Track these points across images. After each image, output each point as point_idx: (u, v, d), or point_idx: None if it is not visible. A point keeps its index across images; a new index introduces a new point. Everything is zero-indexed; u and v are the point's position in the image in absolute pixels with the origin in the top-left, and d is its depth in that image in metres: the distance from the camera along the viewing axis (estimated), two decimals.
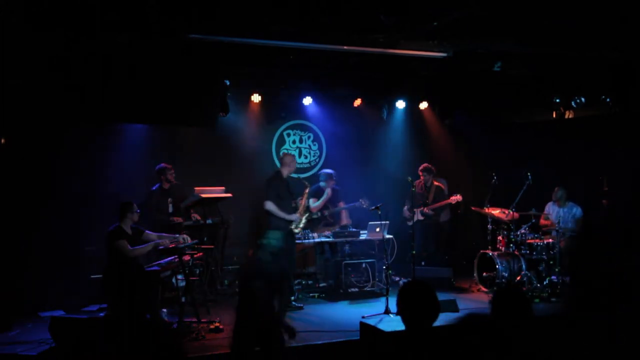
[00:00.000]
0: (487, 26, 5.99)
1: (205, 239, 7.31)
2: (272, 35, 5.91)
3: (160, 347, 3.03)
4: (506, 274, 7.36)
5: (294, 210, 7.02)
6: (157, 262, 5.92)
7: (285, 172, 7.01)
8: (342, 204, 8.19)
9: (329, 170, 8.18)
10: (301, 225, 6.97)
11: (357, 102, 8.98)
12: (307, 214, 7.12)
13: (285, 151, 8.98)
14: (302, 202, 7.17)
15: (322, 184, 8.11)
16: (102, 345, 2.97)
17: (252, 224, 7.93)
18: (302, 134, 9.36)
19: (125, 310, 5.27)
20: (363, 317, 5.79)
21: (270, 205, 6.74)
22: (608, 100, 7.59)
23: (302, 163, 9.29)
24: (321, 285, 7.90)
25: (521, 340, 2.75)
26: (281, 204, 6.82)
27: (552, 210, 7.96)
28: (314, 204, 7.91)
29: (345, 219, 8.23)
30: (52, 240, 7.01)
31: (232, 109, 7.92)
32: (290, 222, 6.86)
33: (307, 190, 7.21)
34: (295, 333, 4.54)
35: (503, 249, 7.68)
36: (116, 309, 5.38)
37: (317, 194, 8.09)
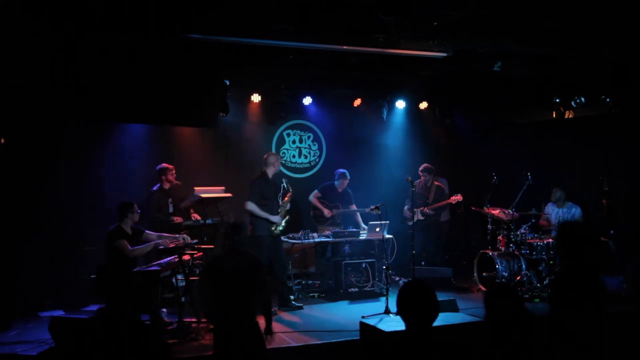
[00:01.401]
0: (487, 26, 5.99)
1: (205, 239, 7.30)
2: (272, 35, 5.90)
3: (151, 347, 3.01)
4: (506, 274, 7.37)
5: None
6: (157, 262, 5.92)
7: (270, 172, 6.97)
8: (353, 207, 8.20)
9: (343, 170, 8.20)
10: (281, 228, 6.91)
11: (357, 102, 8.98)
12: (287, 217, 7.05)
13: (285, 151, 8.99)
14: (283, 205, 7.12)
15: (336, 182, 8.13)
16: (101, 346, 2.97)
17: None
18: (302, 133, 9.36)
19: (124, 310, 5.26)
20: (363, 317, 5.78)
21: (251, 206, 6.70)
22: (608, 100, 7.59)
23: (302, 163, 9.29)
24: (321, 285, 7.90)
25: (517, 338, 2.76)
26: (267, 204, 6.79)
27: (551, 210, 7.97)
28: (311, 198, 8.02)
29: (360, 222, 8.18)
30: (52, 240, 7.01)
31: (232, 109, 7.92)
32: (272, 223, 6.82)
33: (289, 194, 7.14)
34: (272, 334, 4.40)
35: (503, 249, 7.68)
36: (114, 309, 5.37)
37: (328, 190, 8.12)
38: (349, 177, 8.12)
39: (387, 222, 7.37)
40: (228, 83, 7.51)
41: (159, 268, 5.71)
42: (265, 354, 4.29)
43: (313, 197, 8.14)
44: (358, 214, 8.17)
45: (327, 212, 8.00)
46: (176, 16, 5.44)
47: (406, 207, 8.37)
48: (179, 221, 7.31)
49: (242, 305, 4.20)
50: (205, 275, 4.45)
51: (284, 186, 7.13)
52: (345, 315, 6.47)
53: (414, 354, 2.69)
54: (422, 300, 2.76)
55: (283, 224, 6.91)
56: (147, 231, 6.07)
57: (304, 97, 8.69)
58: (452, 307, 6.12)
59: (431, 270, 7.87)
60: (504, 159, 9.13)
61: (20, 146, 6.62)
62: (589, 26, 5.97)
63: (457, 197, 8.20)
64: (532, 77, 7.77)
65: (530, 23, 5.90)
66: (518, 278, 7.28)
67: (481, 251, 7.75)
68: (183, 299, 5.83)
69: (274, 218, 6.80)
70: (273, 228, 6.79)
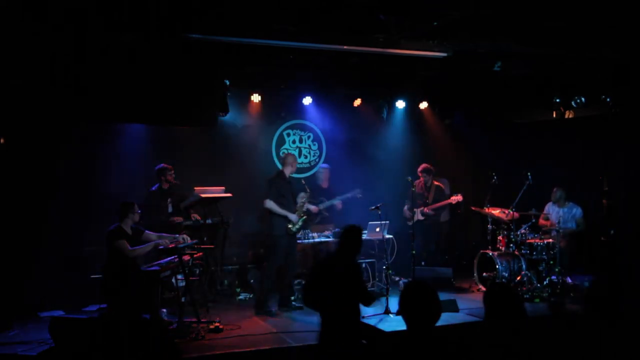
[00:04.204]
0: (487, 26, 5.99)
1: (205, 239, 7.31)
2: (272, 35, 5.91)
3: (157, 347, 3.01)
4: (506, 274, 7.36)
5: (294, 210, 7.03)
6: (157, 262, 5.92)
7: (287, 171, 7.02)
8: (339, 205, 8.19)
9: (323, 165, 8.21)
10: (298, 226, 6.96)
11: (357, 102, 8.98)
12: (304, 217, 7.10)
13: (285, 151, 8.98)
14: (300, 203, 7.17)
15: (319, 180, 8.14)
16: (102, 346, 2.98)
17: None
18: (302, 133, 9.36)
19: (124, 310, 5.26)
20: (363, 317, 5.78)
21: (270, 204, 6.76)
22: (608, 100, 7.59)
23: (302, 163, 9.27)
24: None
25: (514, 339, 2.77)
26: (283, 202, 6.83)
27: (552, 210, 7.96)
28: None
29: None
30: (53, 240, 7.01)
31: (232, 109, 7.91)
32: (289, 221, 6.86)
33: (307, 194, 7.20)
34: None
35: (503, 249, 7.68)
36: (115, 309, 5.37)
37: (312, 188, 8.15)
38: (328, 167, 8.12)
39: (387, 222, 7.37)
40: (228, 83, 7.51)
41: (159, 268, 5.72)
42: None
43: (299, 198, 8.11)
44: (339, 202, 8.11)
45: (313, 208, 7.95)
46: (176, 16, 5.44)
47: (406, 207, 8.36)
48: (178, 221, 7.30)
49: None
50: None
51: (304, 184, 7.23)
52: None
53: (414, 355, 2.69)
54: (425, 301, 2.76)
55: (300, 222, 6.96)
56: (147, 231, 6.07)
57: (304, 97, 8.68)
58: (452, 307, 6.14)
59: (431, 270, 7.86)
60: (504, 159, 9.13)
61: (20, 146, 6.62)
62: (589, 26, 5.97)
63: (458, 197, 8.19)
64: (532, 77, 7.77)
65: (530, 23, 5.90)
66: (518, 278, 7.28)
67: (481, 251, 7.75)
68: (183, 299, 5.83)
69: (292, 216, 6.85)
70: (290, 226, 6.84)
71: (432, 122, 9.65)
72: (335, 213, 8.15)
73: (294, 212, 6.91)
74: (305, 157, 9.33)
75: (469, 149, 9.75)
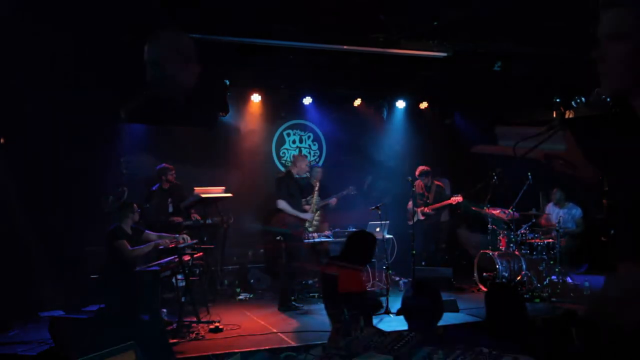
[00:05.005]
0: (487, 26, 5.99)
1: (205, 239, 7.31)
2: (272, 35, 5.91)
3: (156, 347, 3.01)
4: (506, 274, 7.36)
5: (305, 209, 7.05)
6: (157, 262, 5.92)
7: (295, 171, 7.03)
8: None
9: (313, 164, 8.26)
10: (314, 224, 6.99)
11: (357, 102, 8.98)
12: (317, 212, 7.13)
13: (286, 151, 8.99)
14: (313, 201, 7.22)
15: (311, 179, 8.17)
16: (101, 345, 2.97)
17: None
18: (302, 133, 9.36)
19: (124, 310, 5.27)
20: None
21: (282, 204, 6.75)
22: (608, 100, 7.58)
23: None
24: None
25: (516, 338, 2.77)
26: (293, 202, 6.84)
27: (552, 211, 7.97)
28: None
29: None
30: (52, 240, 7.01)
31: (232, 109, 7.92)
32: (303, 220, 6.87)
33: (316, 189, 7.26)
34: None
35: (503, 249, 7.68)
36: (115, 309, 5.38)
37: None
38: (319, 168, 8.13)
39: (387, 222, 7.36)
40: (228, 83, 7.51)
41: (159, 268, 5.72)
42: None
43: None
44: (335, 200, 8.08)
45: (308, 207, 7.95)
46: (176, 16, 5.44)
47: (410, 202, 8.31)
48: (178, 221, 7.31)
49: None
50: None
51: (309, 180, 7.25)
52: None
53: None
54: (427, 301, 2.76)
55: (316, 219, 6.97)
56: (147, 231, 6.08)
57: (304, 97, 8.69)
58: (452, 307, 6.13)
59: (431, 270, 7.85)
60: (504, 159, 9.11)
61: (20, 146, 6.62)
62: (589, 26, 5.96)
63: (458, 198, 8.19)
64: (532, 77, 7.77)
65: (530, 23, 5.90)
66: (518, 278, 7.28)
67: (481, 251, 7.75)
68: (183, 299, 5.83)
69: (306, 215, 6.85)
70: (307, 225, 6.84)
71: (432, 122, 9.65)
72: (330, 212, 8.14)
73: (303, 211, 6.91)
74: (306, 157, 9.32)
75: (469, 149, 9.74)
